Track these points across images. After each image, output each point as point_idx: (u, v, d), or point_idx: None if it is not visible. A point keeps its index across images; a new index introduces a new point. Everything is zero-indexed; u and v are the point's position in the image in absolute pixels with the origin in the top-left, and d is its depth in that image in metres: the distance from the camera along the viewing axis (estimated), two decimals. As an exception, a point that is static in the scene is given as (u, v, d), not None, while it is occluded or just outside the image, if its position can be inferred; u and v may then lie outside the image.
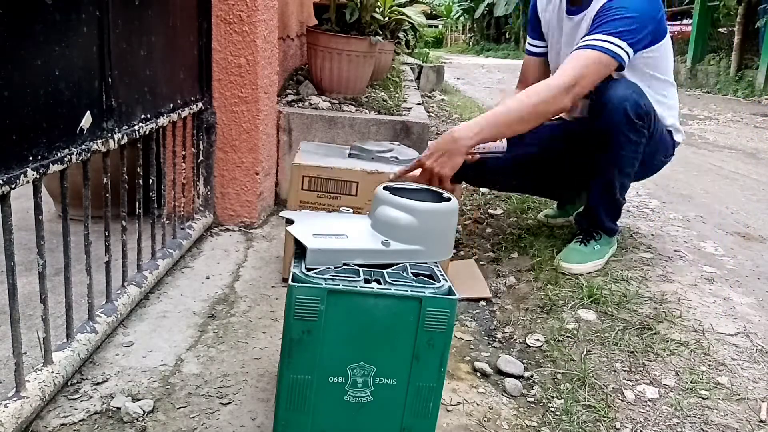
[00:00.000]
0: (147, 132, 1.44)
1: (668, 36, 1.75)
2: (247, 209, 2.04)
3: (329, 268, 0.94)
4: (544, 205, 2.39)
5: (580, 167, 1.84)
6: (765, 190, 3.06)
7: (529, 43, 2.01)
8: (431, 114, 4.85)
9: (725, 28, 10.74)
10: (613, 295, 1.66)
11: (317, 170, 1.57)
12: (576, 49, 1.61)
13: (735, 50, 9.73)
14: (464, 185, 2.10)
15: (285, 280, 1.73)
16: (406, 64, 5.96)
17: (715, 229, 2.31)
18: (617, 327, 1.49)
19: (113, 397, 1.10)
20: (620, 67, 1.61)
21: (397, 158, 1.66)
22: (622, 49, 1.57)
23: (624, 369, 1.34)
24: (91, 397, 1.10)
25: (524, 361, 1.36)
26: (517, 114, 1.52)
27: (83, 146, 1.14)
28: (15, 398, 0.98)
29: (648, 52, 1.68)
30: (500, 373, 1.30)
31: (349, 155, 1.69)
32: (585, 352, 1.39)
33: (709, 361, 1.39)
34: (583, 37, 1.64)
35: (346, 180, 1.57)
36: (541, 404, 1.21)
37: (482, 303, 1.66)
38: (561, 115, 1.88)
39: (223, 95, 1.94)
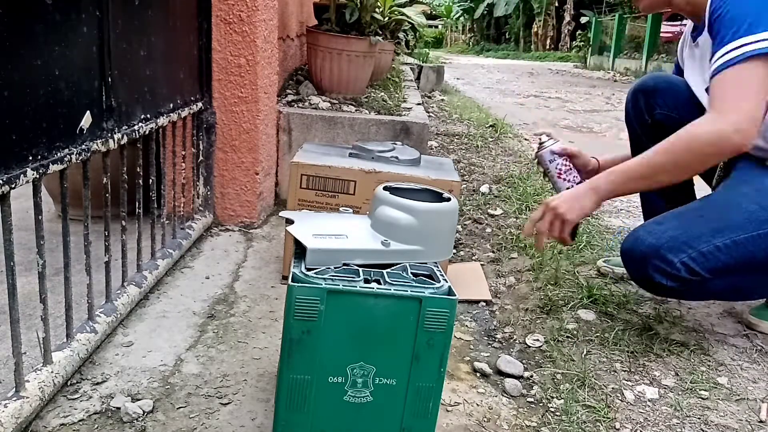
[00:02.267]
0: (147, 132, 1.44)
1: None
2: (247, 209, 2.04)
3: (329, 268, 0.94)
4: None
5: None
6: None
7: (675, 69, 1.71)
8: (431, 114, 4.85)
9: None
10: (613, 295, 1.66)
11: (315, 169, 1.58)
12: (713, 75, 1.26)
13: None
14: (464, 186, 2.10)
15: (285, 278, 1.73)
16: (406, 64, 5.96)
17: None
18: (617, 327, 1.49)
19: (113, 397, 1.10)
20: None
21: (397, 158, 1.66)
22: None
23: (624, 369, 1.34)
24: (90, 397, 1.10)
25: (524, 361, 1.36)
26: (668, 164, 1.27)
27: (83, 146, 1.14)
28: (15, 398, 0.98)
29: None
30: (500, 373, 1.30)
31: (350, 155, 1.69)
32: (585, 353, 1.39)
33: (709, 361, 1.39)
34: (711, 58, 1.28)
35: (343, 179, 1.58)
36: (541, 404, 1.21)
37: (482, 303, 1.66)
38: None
39: (223, 95, 1.94)
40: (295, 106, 2.45)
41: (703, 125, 1.24)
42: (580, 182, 1.50)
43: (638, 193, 1.69)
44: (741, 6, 1.25)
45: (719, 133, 1.22)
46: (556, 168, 1.56)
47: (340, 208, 1.17)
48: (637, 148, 1.61)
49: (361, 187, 1.57)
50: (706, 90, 1.33)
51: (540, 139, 1.61)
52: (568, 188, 1.50)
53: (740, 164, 1.42)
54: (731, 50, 1.22)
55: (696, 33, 1.49)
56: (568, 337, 1.46)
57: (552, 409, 1.19)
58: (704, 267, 1.27)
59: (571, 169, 1.56)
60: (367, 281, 0.92)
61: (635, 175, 1.31)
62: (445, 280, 0.96)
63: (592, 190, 1.34)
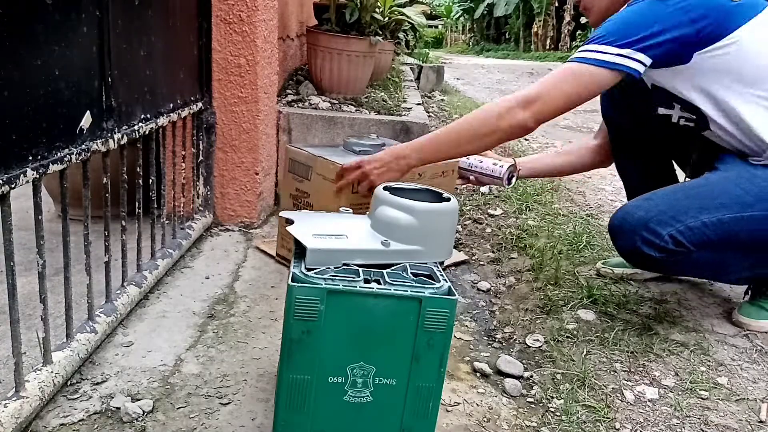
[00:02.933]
0: (147, 132, 1.44)
1: (748, 29, 1.31)
2: (247, 209, 2.04)
3: (329, 268, 0.94)
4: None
5: None
6: None
7: None
8: (431, 114, 4.85)
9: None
10: (613, 295, 1.66)
11: (294, 153, 1.68)
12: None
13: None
14: (464, 186, 2.10)
15: (279, 255, 1.78)
16: (406, 64, 5.96)
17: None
18: (617, 327, 1.49)
19: (113, 397, 1.10)
20: (630, 77, 1.31)
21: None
22: (616, 55, 1.28)
23: (624, 369, 1.34)
24: (90, 397, 1.10)
25: (524, 361, 1.36)
26: (459, 132, 1.39)
27: (83, 146, 1.14)
28: (14, 398, 0.98)
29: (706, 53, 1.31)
30: (500, 373, 1.30)
31: (343, 148, 1.70)
32: (585, 353, 1.39)
33: (709, 361, 1.39)
34: None
35: (303, 164, 1.65)
36: (541, 404, 1.21)
37: (482, 303, 1.66)
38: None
39: (223, 95, 1.94)
40: (295, 106, 2.45)
41: (505, 103, 1.37)
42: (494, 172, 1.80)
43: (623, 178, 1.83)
44: (617, 19, 1.34)
45: (509, 104, 1.36)
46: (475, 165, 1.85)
47: (340, 209, 1.18)
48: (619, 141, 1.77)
49: (314, 174, 1.63)
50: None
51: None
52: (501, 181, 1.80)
53: (726, 157, 1.47)
54: (581, 50, 1.33)
55: None
56: (568, 337, 1.46)
57: (552, 409, 1.19)
58: (690, 240, 1.34)
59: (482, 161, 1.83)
60: (367, 281, 0.92)
61: (444, 145, 1.41)
62: (445, 280, 0.96)
63: (403, 158, 1.42)
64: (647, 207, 1.38)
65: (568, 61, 1.34)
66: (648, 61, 1.29)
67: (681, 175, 1.79)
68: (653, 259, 1.36)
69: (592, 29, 1.45)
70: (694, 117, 1.44)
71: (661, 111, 1.49)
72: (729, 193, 1.37)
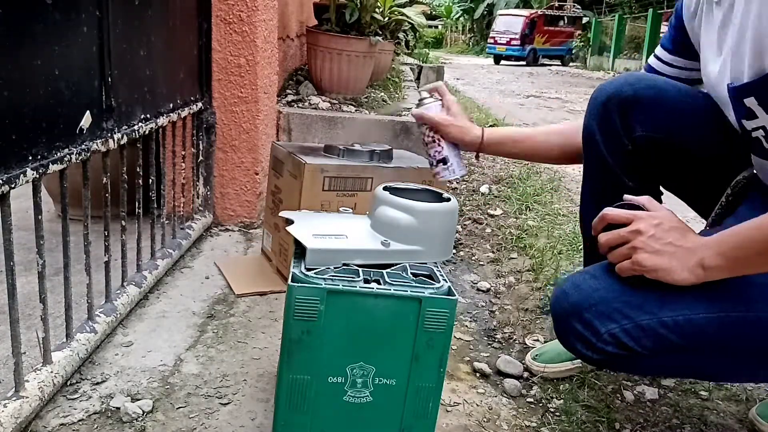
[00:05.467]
0: (147, 132, 1.44)
1: None
2: (247, 209, 2.04)
3: (329, 268, 0.94)
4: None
5: None
6: None
7: (657, 56, 1.20)
8: (431, 114, 4.85)
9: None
10: (613, 295, 1.66)
11: (276, 149, 1.70)
12: None
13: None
14: (464, 186, 2.10)
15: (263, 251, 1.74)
16: (406, 64, 5.96)
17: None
18: (617, 327, 1.49)
19: (112, 397, 1.10)
20: None
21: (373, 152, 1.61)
22: None
23: (623, 369, 1.34)
24: (90, 397, 1.10)
25: (524, 361, 1.35)
26: None
27: (83, 146, 1.14)
28: (14, 398, 0.98)
29: None
30: (500, 373, 1.30)
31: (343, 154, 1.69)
32: (584, 353, 1.39)
33: (709, 361, 1.39)
34: None
35: (281, 160, 1.65)
36: (541, 405, 1.21)
37: (481, 303, 1.66)
38: None
39: (223, 95, 1.94)
40: (295, 106, 2.45)
41: None
42: (440, 159, 1.28)
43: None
44: None
45: None
46: (423, 135, 1.31)
47: (340, 209, 1.18)
48: (602, 183, 1.15)
49: (285, 171, 1.62)
50: (731, 86, 0.93)
51: (420, 94, 1.32)
52: (430, 163, 1.30)
53: (749, 198, 1.04)
54: None
55: None
56: (567, 337, 1.46)
57: (552, 409, 1.19)
58: (640, 343, 0.90)
59: (434, 141, 1.28)
60: (366, 281, 0.92)
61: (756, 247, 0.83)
62: (445, 280, 0.96)
63: (697, 264, 0.86)
64: (588, 289, 0.94)
65: None
66: None
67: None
68: (594, 360, 0.95)
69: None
70: None
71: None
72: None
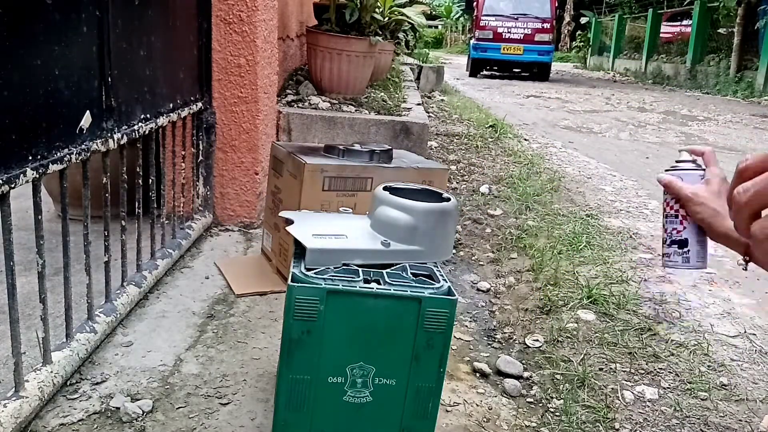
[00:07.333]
0: (147, 132, 1.43)
1: None
2: (247, 209, 2.04)
3: (329, 268, 0.94)
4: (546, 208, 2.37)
5: None
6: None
7: None
8: (431, 114, 4.85)
9: (725, 29, 10.76)
10: (613, 295, 1.66)
11: (276, 150, 1.71)
12: None
13: (735, 51, 9.74)
14: (464, 186, 2.10)
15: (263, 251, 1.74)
16: (406, 64, 5.97)
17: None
18: (617, 328, 1.49)
19: (112, 397, 1.10)
20: None
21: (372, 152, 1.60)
22: None
23: (623, 369, 1.34)
24: (90, 397, 1.10)
25: (523, 361, 1.36)
26: None
27: (83, 146, 1.13)
28: (14, 398, 0.98)
29: None
30: (499, 373, 1.30)
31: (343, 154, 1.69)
32: (584, 353, 1.39)
33: (709, 362, 1.39)
34: None
35: (281, 160, 1.65)
36: (541, 405, 1.21)
37: (481, 304, 1.66)
38: None
39: (223, 95, 1.94)
40: (295, 106, 2.45)
41: None
42: (678, 240, 1.01)
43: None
44: None
45: None
46: (664, 203, 1.01)
47: (340, 209, 1.18)
48: None
49: (285, 171, 1.62)
50: None
51: (679, 155, 1.03)
52: (663, 240, 1.00)
53: None
54: None
55: None
56: (567, 337, 1.46)
57: (552, 410, 1.19)
58: None
59: (677, 216, 1.00)
60: (366, 281, 0.92)
61: None
62: (444, 280, 0.96)
63: None
64: None
65: None
66: None
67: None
68: None
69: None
70: None
71: None
72: None
